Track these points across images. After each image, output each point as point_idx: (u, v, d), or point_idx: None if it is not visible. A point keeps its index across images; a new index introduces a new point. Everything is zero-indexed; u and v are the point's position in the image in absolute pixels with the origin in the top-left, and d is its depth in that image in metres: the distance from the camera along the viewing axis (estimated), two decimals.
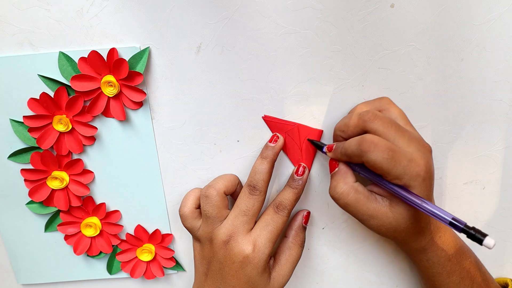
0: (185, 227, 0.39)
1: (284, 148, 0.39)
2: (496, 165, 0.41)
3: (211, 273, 0.36)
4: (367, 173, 0.34)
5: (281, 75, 0.37)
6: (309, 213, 0.41)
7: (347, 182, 0.34)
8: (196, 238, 0.38)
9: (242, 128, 0.39)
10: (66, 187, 0.41)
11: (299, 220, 0.40)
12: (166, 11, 0.35)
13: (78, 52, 0.36)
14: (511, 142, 0.40)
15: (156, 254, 0.44)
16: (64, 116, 0.38)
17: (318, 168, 0.40)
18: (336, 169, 0.35)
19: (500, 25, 0.35)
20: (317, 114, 0.39)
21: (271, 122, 0.39)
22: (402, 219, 0.33)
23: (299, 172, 0.38)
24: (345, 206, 0.34)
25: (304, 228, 0.40)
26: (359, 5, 0.34)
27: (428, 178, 0.32)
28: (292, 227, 0.39)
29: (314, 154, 0.40)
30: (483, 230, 0.44)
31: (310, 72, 0.37)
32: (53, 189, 0.40)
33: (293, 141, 0.39)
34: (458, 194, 0.42)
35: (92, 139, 0.39)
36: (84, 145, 0.39)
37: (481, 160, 0.40)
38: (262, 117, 0.38)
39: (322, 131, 0.39)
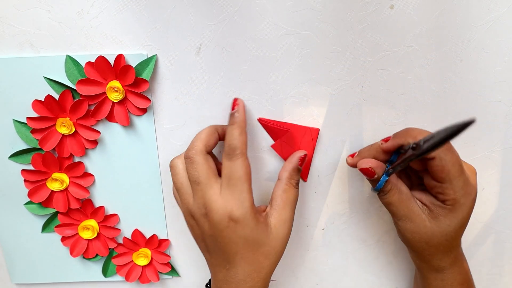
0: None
1: (281, 154, 0.39)
2: (495, 166, 0.41)
3: (211, 249, 0.35)
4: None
5: (281, 76, 0.37)
6: (305, 155, 0.37)
7: (391, 180, 0.34)
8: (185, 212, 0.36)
9: None
10: (66, 189, 0.40)
11: (294, 161, 0.36)
12: (166, 12, 0.35)
13: (85, 56, 0.36)
14: (510, 143, 0.40)
15: (152, 258, 0.44)
16: (68, 119, 0.38)
17: (318, 169, 0.41)
18: (375, 175, 0.34)
19: (499, 26, 0.35)
20: (316, 115, 0.39)
21: (266, 124, 0.38)
22: (439, 233, 0.33)
23: (235, 109, 0.35)
24: (387, 204, 0.34)
25: (299, 170, 0.37)
26: (358, 6, 0.35)
27: (474, 201, 0.33)
28: (286, 168, 0.36)
29: (313, 153, 0.40)
30: (483, 231, 0.44)
31: (309, 73, 0.37)
32: (52, 191, 0.40)
33: (289, 146, 0.39)
34: None
35: (95, 142, 0.39)
36: (86, 148, 0.39)
37: (480, 161, 0.40)
38: (258, 119, 0.38)
39: (318, 129, 0.39)
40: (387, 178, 0.33)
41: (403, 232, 0.34)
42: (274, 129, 0.38)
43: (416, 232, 0.33)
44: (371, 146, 0.36)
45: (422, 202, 0.34)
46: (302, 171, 0.39)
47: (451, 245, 0.34)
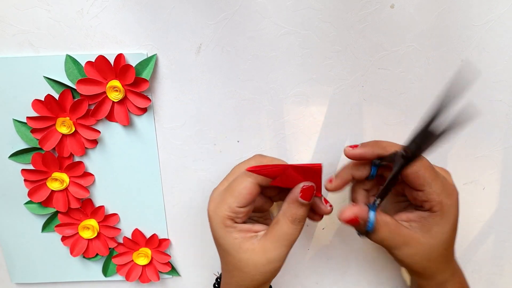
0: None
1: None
2: (496, 166, 0.41)
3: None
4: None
5: (281, 76, 0.37)
6: (312, 187, 0.32)
7: (376, 218, 0.32)
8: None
9: (242, 128, 0.39)
10: (66, 188, 0.40)
11: (295, 191, 0.32)
12: (166, 11, 0.35)
13: (85, 56, 0.36)
14: (510, 142, 0.40)
15: (152, 258, 0.44)
16: (68, 118, 0.38)
17: None
18: (361, 221, 0.32)
19: (499, 26, 0.35)
20: (317, 115, 0.39)
21: (259, 171, 0.32)
22: (437, 244, 0.32)
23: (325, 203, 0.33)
24: (380, 241, 0.32)
25: (301, 203, 0.32)
26: (359, 5, 0.34)
27: (458, 201, 0.33)
28: (286, 200, 0.32)
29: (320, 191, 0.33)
30: (483, 231, 0.44)
31: (310, 73, 0.37)
32: (52, 190, 0.40)
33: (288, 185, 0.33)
34: None
35: (95, 142, 0.39)
36: (86, 148, 0.39)
37: (481, 160, 0.40)
38: (246, 169, 0.32)
39: (321, 165, 0.31)
40: (375, 214, 0.31)
41: (402, 259, 0.33)
42: (268, 171, 0.32)
43: (415, 254, 0.32)
44: (345, 166, 0.35)
45: (410, 221, 0.33)
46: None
47: (450, 254, 0.34)
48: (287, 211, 0.32)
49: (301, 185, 0.32)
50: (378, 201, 0.32)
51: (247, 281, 0.32)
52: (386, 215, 0.32)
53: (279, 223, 0.32)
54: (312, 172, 0.31)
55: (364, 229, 0.32)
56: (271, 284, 0.37)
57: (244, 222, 0.33)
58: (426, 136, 0.28)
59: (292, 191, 0.32)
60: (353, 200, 0.37)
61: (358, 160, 0.34)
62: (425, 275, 0.34)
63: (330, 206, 0.33)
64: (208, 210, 0.33)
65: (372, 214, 0.31)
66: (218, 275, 0.39)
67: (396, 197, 0.37)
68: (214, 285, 0.39)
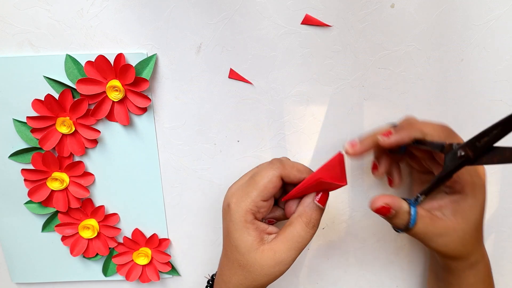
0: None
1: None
2: (495, 166, 0.41)
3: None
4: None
5: (281, 75, 0.37)
6: (327, 193, 0.33)
7: (405, 210, 0.31)
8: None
9: (242, 128, 0.39)
10: (66, 188, 0.40)
11: (311, 196, 0.32)
12: (166, 11, 0.35)
13: (84, 55, 0.36)
14: (511, 142, 0.40)
15: (152, 258, 0.44)
16: (68, 118, 0.38)
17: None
18: (393, 211, 0.31)
19: (500, 26, 0.35)
20: (317, 114, 0.39)
21: (296, 195, 0.33)
22: (470, 227, 0.32)
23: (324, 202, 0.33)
24: (415, 235, 0.32)
25: (318, 207, 0.32)
26: (359, 5, 0.34)
27: (485, 181, 0.32)
28: (302, 202, 0.33)
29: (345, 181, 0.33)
30: (483, 230, 0.44)
31: (310, 72, 0.37)
32: (52, 190, 0.40)
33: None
34: None
35: (95, 142, 0.39)
36: (86, 147, 0.39)
37: None
38: (282, 199, 0.34)
39: (341, 154, 0.31)
40: (416, 210, 0.31)
41: (438, 248, 0.32)
42: (302, 190, 0.32)
43: (450, 242, 0.32)
44: (370, 134, 0.34)
45: (442, 208, 0.32)
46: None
47: (480, 234, 0.33)
48: (303, 214, 0.32)
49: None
50: (421, 198, 0.31)
51: (248, 281, 0.32)
52: (421, 208, 0.32)
53: (293, 225, 0.32)
54: (335, 163, 0.31)
55: (404, 225, 0.31)
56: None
57: (262, 220, 0.33)
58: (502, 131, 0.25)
59: (309, 195, 0.32)
60: (376, 158, 0.36)
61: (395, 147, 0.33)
62: (459, 259, 0.34)
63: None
64: (229, 203, 0.32)
65: (413, 211, 0.31)
66: (210, 277, 0.39)
67: (422, 174, 0.36)
68: (208, 281, 0.39)
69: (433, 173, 0.35)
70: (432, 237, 0.32)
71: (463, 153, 0.28)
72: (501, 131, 0.26)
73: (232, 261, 0.33)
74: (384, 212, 0.31)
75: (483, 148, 0.27)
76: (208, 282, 0.39)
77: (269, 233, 0.33)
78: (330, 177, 0.30)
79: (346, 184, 0.31)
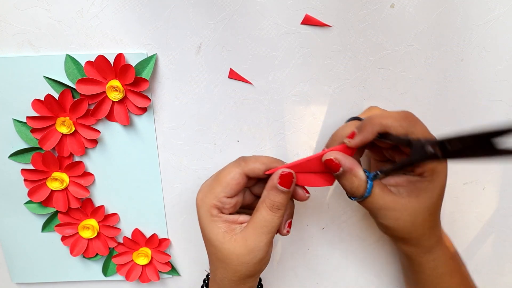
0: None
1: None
2: (496, 165, 0.41)
3: None
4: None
5: (281, 75, 0.37)
6: (290, 174, 0.32)
7: (361, 178, 0.31)
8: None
9: (242, 128, 0.39)
10: (66, 188, 0.40)
11: (274, 178, 0.32)
12: (166, 11, 0.35)
13: (84, 55, 0.36)
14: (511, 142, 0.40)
15: (152, 258, 0.44)
16: (68, 118, 0.38)
17: None
18: (341, 169, 0.31)
19: (500, 26, 0.35)
20: (317, 114, 0.39)
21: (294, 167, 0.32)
22: (423, 209, 0.31)
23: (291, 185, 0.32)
24: (367, 206, 0.32)
25: (280, 190, 0.31)
26: (359, 5, 0.34)
27: (446, 172, 0.32)
28: (266, 187, 0.32)
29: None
30: (483, 230, 0.44)
31: (310, 72, 0.37)
32: (52, 190, 0.40)
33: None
34: (458, 194, 0.42)
35: (95, 142, 0.39)
36: (86, 147, 0.39)
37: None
38: (265, 172, 0.33)
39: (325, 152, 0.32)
40: (373, 184, 0.31)
41: (387, 224, 0.32)
42: (302, 165, 0.32)
43: (398, 218, 0.32)
44: (338, 142, 0.33)
45: (398, 185, 0.32)
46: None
47: (435, 219, 0.33)
48: (266, 198, 0.32)
49: (279, 171, 0.32)
50: (380, 176, 0.32)
51: (230, 273, 0.33)
52: (377, 181, 0.32)
53: (259, 210, 0.32)
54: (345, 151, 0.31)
55: (361, 193, 0.31)
56: (265, 284, 0.37)
57: (231, 214, 0.33)
58: (480, 144, 0.24)
59: (271, 178, 0.32)
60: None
61: (364, 146, 0.33)
62: (410, 241, 0.34)
63: (308, 193, 0.34)
64: (196, 199, 0.33)
65: (370, 183, 0.31)
66: (209, 271, 0.39)
67: (380, 155, 0.36)
68: (204, 280, 0.39)
69: (393, 162, 0.34)
70: (383, 211, 0.32)
71: (432, 151, 0.28)
72: (477, 143, 0.25)
73: (211, 256, 0.34)
74: (332, 166, 0.31)
75: (454, 152, 0.27)
76: (204, 281, 0.39)
77: (241, 222, 0.33)
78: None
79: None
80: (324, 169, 0.32)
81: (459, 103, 0.38)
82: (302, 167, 0.32)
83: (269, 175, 0.32)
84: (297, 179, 0.32)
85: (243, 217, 0.33)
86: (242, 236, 0.32)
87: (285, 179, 0.31)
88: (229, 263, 0.32)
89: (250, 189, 0.35)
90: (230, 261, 0.32)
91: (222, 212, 0.33)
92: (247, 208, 0.36)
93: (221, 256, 0.32)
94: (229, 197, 0.32)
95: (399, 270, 0.45)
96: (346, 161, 0.31)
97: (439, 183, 0.32)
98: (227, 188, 0.32)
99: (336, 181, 0.33)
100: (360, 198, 0.32)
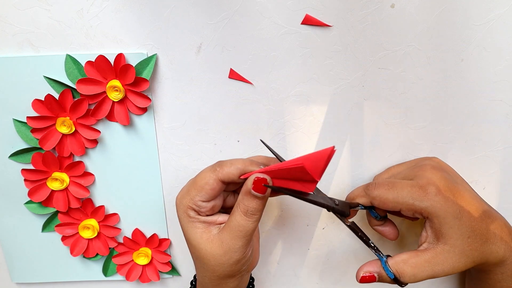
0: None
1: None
2: (496, 165, 0.41)
3: None
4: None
5: (281, 75, 0.37)
6: (264, 179, 0.30)
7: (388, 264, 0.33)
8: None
9: (242, 128, 0.39)
10: (66, 188, 0.40)
11: (248, 183, 0.31)
12: (166, 11, 0.35)
13: (85, 55, 0.36)
14: (511, 142, 0.40)
15: (152, 258, 0.44)
16: (68, 118, 0.38)
17: None
18: (376, 275, 0.34)
19: (500, 25, 0.35)
20: (317, 114, 0.39)
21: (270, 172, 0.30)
22: (458, 245, 0.32)
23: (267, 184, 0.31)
24: (417, 279, 0.33)
25: (254, 196, 0.31)
26: (359, 5, 0.34)
27: (450, 190, 0.33)
28: (241, 191, 0.32)
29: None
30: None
31: (310, 72, 0.37)
32: (52, 190, 0.40)
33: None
34: None
35: (95, 142, 0.39)
36: (86, 147, 0.39)
37: (481, 160, 0.40)
38: (240, 177, 0.32)
39: (333, 148, 0.28)
40: (388, 265, 0.33)
41: (449, 272, 0.32)
42: (281, 172, 0.30)
43: (448, 264, 0.32)
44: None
45: (427, 236, 0.33)
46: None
47: (481, 237, 0.32)
48: (240, 203, 0.31)
49: (253, 176, 0.30)
50: (374, 249, 0.34)
51: (208, 273, 0.33)
52: (399, 255, 0.33)
53: (234, 214, 0.32)
54: (324, 156, 0.28)
55: (390, 281, 0.32)
56: (265, 284, 0.37)
57: (210, 216, 0.34)
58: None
59: (245, 183, 0.31)
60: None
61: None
62: (477, 266, 0.34)
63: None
64: (175, 199, 0.34)
65: (386, 268, 0.32)
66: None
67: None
68: (191, 281, 0.40)
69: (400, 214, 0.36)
70: (429, 275, 0.32)
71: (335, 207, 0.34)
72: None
73: (192, 255, 0.34)
74: (370, 280, 0.33)
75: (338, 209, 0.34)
76: (191, 282, 0.40)
77: (220, 223, 0.33)
78: (311, 168, 0.28)
79: (318, 181, 0.30)
80: (304, 178, 0.30)
81: (459, 103, 0.38)
82: (280, 174, 0.30)
83: (246, 179, 0.31)
84: (274, 183, 0.31)
85: (222, 218, 0.34)
86: (218, 238, 0.32)
87: (259, 185, 0.30)
88: (206, 263, 0.32)
89: (234, 191, 0.36)
90: (207, 261, 0.32)
91: (199, 214, 0.33)
92: (230, 209, 0.35)
93: (199, 255, 0.33)
94: (204, 201, 0.32)
95: None
96: (373, 267, 0.34)
97: (450, 218, 0.32)
98: (201, 192, 0.32)
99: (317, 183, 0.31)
100: (397, 280, 0.33)
